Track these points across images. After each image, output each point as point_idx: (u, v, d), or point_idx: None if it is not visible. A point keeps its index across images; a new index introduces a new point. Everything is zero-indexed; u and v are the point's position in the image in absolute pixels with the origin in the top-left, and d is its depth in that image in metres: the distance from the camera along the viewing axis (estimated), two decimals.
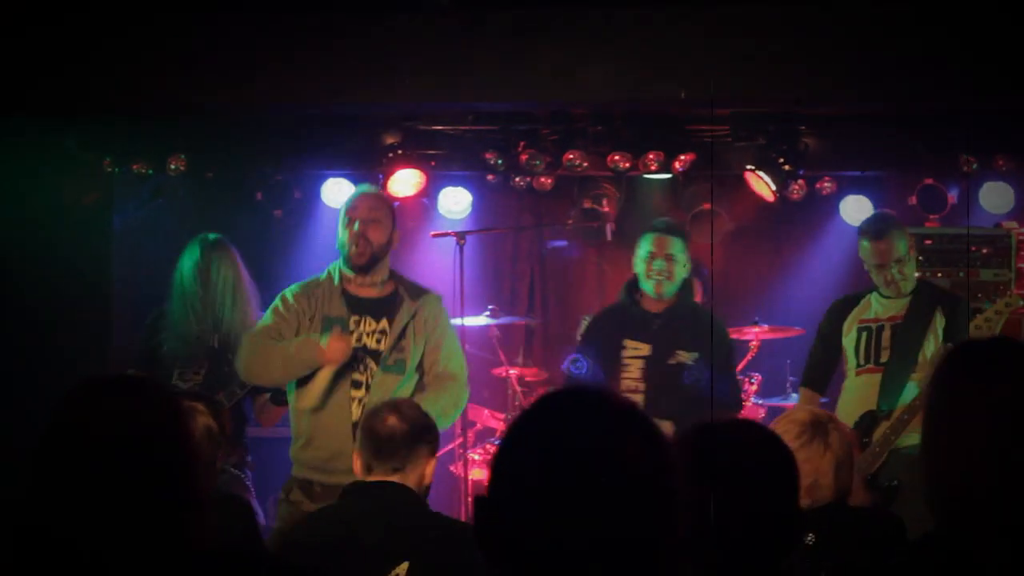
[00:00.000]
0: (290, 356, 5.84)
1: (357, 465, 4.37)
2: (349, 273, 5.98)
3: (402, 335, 5.87)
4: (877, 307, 6.48)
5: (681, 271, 6.53)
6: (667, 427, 6.21)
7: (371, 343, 5.91)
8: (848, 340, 6.49)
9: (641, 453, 1.85)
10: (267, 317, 6.06)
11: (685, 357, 6.43)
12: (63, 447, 2.39)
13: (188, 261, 6.76)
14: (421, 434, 4.35)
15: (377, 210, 5.97)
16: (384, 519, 4.12)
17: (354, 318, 5.89)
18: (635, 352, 6.54)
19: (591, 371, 6.44)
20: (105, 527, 2.33)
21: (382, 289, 6.00)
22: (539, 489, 1.82)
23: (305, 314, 5.90)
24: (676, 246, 6.51)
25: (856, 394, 6.40)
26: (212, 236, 6.81)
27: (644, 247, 6.55)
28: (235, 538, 4.08)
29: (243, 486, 6.69)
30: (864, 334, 6.44)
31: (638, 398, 6.37)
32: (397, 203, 6.19)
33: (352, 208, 5.97)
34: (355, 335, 5.86)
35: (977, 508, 2.57)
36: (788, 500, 2.61)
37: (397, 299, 5.97)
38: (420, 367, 5.93)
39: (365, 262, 5.90)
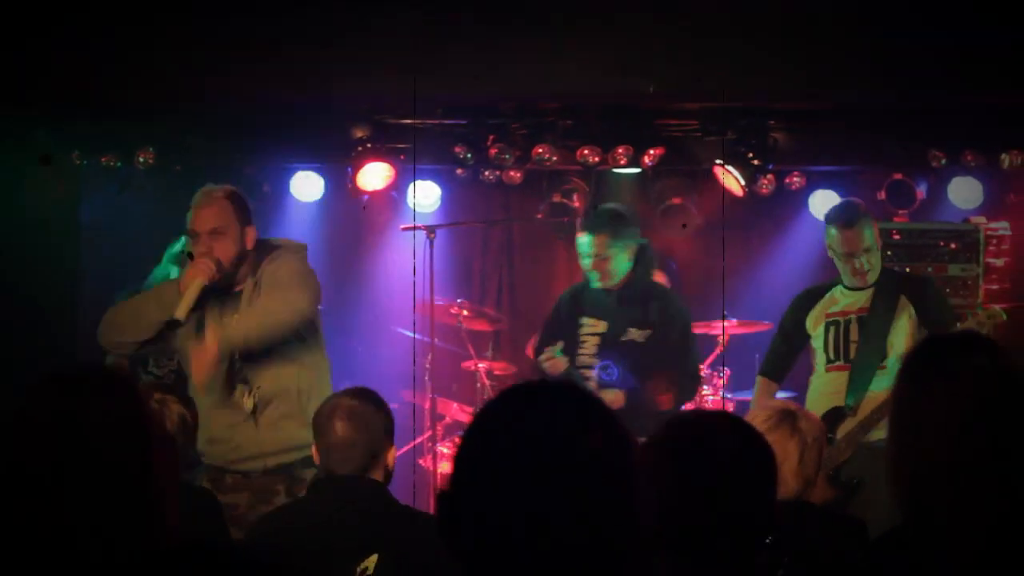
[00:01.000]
0: (139, 300, 5.42)
1: (316, 458, 4.25)
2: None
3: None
4: (844, 300, 6.36)
5: (619, 263, 6.41)
6: (619, 396, 6.22)
7: None
8: (816, 335, 6.38)
9: (603, 446, 1.84)
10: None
11: (636, 335, 6.43)
12: (25, 441, 2.38)
13: (170, 252, 6.93)
14: (379, 433, 4.13)
15: (217, 218, 5.24)
16: (353, 512, 4.09)
17: (232, 313, 5.34)
18: (592, 329, 6.53)
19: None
20: (67, 521, 2.32)
21: None
22: (499, 482, 1.81)
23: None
24: (605, 243, 6.38)
25: (824, 390, 6.31)
26: None
27: (579, 246, 6.47)
28: (201, 531, 4.06)
29: None
30: (832, 328, 6.33)
31: (592, 374, 6.41)
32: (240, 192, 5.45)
33: (190, 226, 5.30)
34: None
35: (941, 500, 2.59)
36: (765, 494, 2.61)
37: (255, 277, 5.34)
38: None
39: (221, 281, 5.25)
